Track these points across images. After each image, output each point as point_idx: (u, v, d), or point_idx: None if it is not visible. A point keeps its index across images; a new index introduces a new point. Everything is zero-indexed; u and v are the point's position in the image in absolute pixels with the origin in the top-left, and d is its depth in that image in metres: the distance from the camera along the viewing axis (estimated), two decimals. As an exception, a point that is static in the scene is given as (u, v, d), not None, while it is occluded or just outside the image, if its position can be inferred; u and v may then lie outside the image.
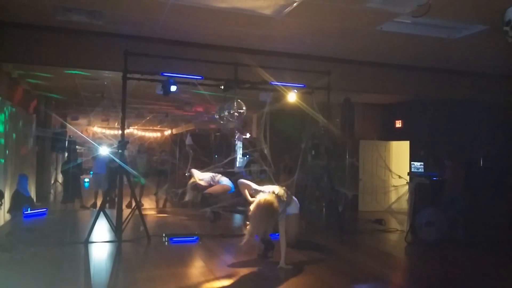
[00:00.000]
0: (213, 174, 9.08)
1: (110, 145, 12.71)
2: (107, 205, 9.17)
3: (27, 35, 7.09)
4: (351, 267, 6.32)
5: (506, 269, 6.61)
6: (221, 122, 8.62)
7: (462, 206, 8.61)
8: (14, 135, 9.32)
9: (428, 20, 6.22)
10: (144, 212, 8.44)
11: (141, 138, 23.13)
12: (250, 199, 6.01)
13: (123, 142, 7.50)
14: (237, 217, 10.35)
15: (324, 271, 5.95)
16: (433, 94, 9.98)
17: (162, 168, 13.39)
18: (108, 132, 21.11)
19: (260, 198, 5.77)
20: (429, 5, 5.12)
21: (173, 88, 7.54)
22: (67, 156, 12.86)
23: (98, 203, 10.60)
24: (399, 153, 12.42)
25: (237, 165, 16.82)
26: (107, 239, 7.41)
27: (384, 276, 6.08)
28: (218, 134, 16.79)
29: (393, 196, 11.44)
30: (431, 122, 11.29)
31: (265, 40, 7.55)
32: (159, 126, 23.24)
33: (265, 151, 8.78)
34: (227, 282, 5.42)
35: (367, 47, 7.87)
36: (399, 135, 12.61)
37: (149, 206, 12.00)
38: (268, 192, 5.88)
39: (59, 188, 13.28)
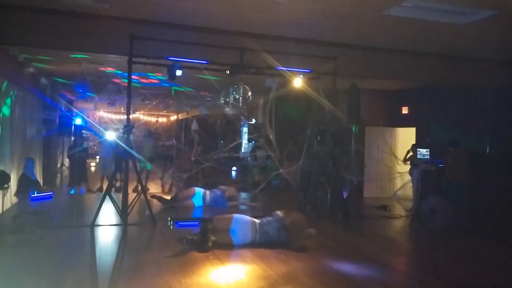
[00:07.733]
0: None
1: (116, 130, 12.73)
2: (113, 189, 9.23)
3: (33, 18, 7.06)
4: (354, 252, 6.34)
5: (509, 256, 6.61)
6: (227, 107, 8.61)
7: (465, 192, 8.59)
8: (20, 119, 9.37)
9: (436, 4, 6.14)
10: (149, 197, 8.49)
11: (147, 123, 23.16)
12: None
13: (129, 126, 7.52)
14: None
15: (327, 256, 5.98)
16: (440, 80, 9.90)
17: (167, 153, 13.45)
18: (114, 116, 21.14)
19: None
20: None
21: (179, 72, 7.51)
22: (73, 140, 12.92)
23: (104, 187, 10.69)
24: (405, 140, 12.36)
25: (243, 151, 16.87)
26: (113, 223, 7.48)
27: (386, 261, 6.10)
28: (224, 119, 16.80)
29: (398, 183, 11.41)
30: (438, 109, 11.21)
31: (271, 24, 7.48)
32: (165, 111, 23.25)
33: (271, 137, 8.78)
34: (230, 263, 5.49)
35: (374, 32, 7.78)
36: (405, 122, 12.54)
37: (154, 190, 12.06)
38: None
39: (66, 172, 13.37)
